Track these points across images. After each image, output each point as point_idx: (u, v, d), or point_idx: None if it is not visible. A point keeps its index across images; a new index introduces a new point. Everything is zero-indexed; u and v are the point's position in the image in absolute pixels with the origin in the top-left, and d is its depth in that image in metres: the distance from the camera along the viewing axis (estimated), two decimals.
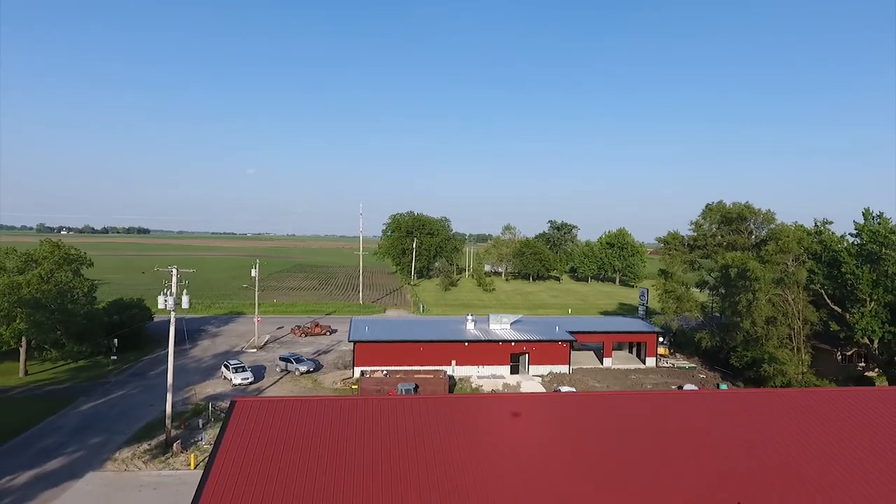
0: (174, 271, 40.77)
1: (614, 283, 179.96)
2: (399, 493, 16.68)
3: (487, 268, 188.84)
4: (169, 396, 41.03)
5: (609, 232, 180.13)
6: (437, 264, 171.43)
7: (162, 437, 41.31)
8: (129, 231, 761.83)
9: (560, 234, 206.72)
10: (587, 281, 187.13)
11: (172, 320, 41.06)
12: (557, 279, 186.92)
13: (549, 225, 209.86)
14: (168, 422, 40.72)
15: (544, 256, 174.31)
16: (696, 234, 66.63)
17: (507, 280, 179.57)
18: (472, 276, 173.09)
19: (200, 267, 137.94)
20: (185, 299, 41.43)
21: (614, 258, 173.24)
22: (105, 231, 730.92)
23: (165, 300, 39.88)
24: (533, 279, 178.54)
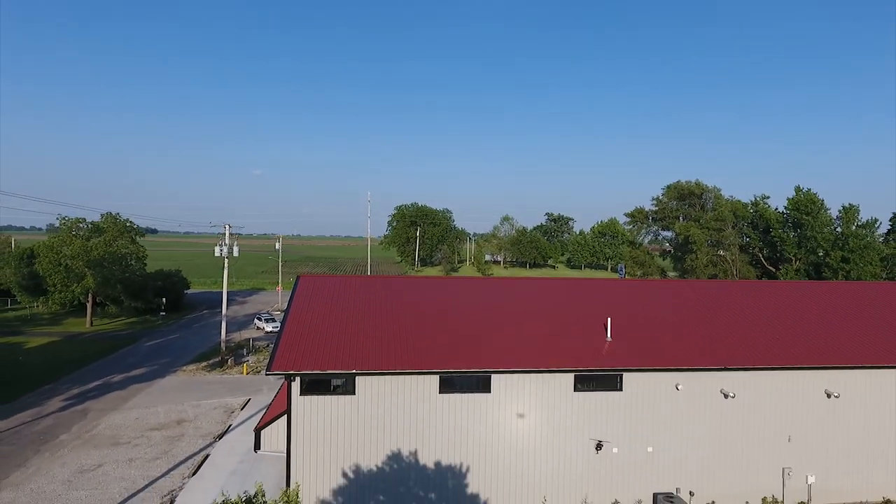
0: (226, 226, 52.01)
1: (606, 269, 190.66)
2: (411, 322, 27.54)
3: (488, 257, 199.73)
4: (223, 324, 52.27)
5: (601, 222, 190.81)
6: (439, 254, 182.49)
7: (216, 360, 52.48)
8: None
9: (557, 225, 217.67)
10: (581, 268, 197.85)
11: (226, 265, 52.42)
12: (553, 267, 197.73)
13: (546, 217, 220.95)
14: (222, 345, 51.93)
15: (540, 245, 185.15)
16: (657, 208, 77.51)
17: (505, 268, 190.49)
18: (472, 264, 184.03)
19: (209, 261, 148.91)
20: (235, 249, 52.60)
21: (605, 246, 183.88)
22: None
23: (221, 249, 51.11)
24: (530, 266, 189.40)
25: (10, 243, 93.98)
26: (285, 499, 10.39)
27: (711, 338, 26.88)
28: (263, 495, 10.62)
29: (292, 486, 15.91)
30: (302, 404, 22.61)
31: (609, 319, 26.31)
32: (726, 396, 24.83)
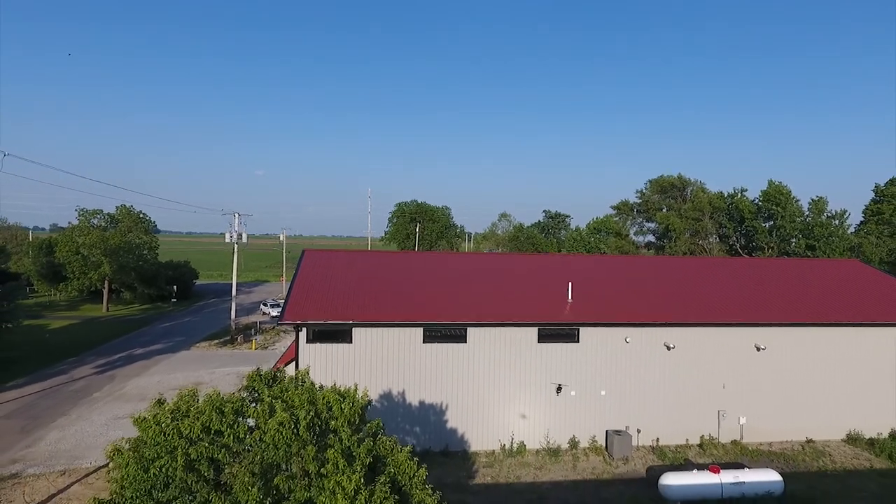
0: (236, 216, 56.41)
1: None
2: (409, 280, 31.83)
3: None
4: (233, 305, 56.73)
5: (596, 218, 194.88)
6: (438, 250, 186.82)
7: (226, 338, 56.87)
8: None
9: (554, 222, 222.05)
10: None
11: (236, 250, 56.81)
12: None
13: (543, 214, 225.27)
14: (233, 324, 56.34)
15: (537, 241, 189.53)
16: (641, 201, 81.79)
17: None
18: None
19: (214, 257, 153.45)
20: (244, 236, 57.00)
21: (600, 243, 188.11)
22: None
23: (231, 235, 55.48)
24: None
25: (28, 236, 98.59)
26: (299, 375, 14.71)
27: (657, 300, 31.23)
28: (284, 372, 14.95)
29: (301, 367, 20.22)
30: (308, 351, 26.94)
31: (570, 284, 30.65)
32: (669, 348, 29.12)
